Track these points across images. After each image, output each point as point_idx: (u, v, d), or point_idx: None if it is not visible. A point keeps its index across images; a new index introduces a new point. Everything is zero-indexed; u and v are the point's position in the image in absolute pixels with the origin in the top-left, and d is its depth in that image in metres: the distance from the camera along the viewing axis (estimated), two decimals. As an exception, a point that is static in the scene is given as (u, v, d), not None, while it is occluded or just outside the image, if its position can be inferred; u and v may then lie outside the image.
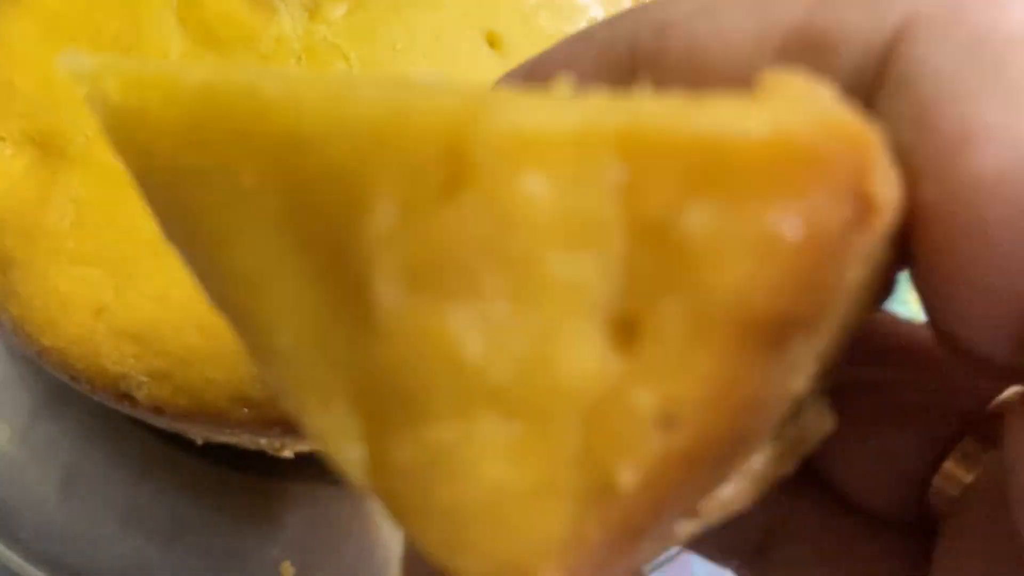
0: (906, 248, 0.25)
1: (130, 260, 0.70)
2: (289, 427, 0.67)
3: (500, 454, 0.23)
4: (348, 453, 0.25)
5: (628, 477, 0.23)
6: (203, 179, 0.26)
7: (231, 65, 0.36)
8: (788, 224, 0.22)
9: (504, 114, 0.22)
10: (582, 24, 0.75)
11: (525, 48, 0.74)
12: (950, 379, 0.33)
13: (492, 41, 0.75)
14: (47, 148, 0.73)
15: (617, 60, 0.30)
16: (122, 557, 0.82)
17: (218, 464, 0.84)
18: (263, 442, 0.76)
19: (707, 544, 0.36)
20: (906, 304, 0.36)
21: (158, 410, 0.73)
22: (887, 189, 0.23)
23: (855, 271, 0.24)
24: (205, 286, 0.28)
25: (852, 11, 0.27)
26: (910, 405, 0.34)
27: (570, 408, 0.23)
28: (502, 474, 0.23)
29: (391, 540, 0.77)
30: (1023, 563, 0.28)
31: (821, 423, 0.30)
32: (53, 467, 0.83)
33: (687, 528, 0.28)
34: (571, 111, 0.22)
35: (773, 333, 0.23)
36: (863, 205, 0.23)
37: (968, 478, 0.32)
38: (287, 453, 0.76)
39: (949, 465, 0.33)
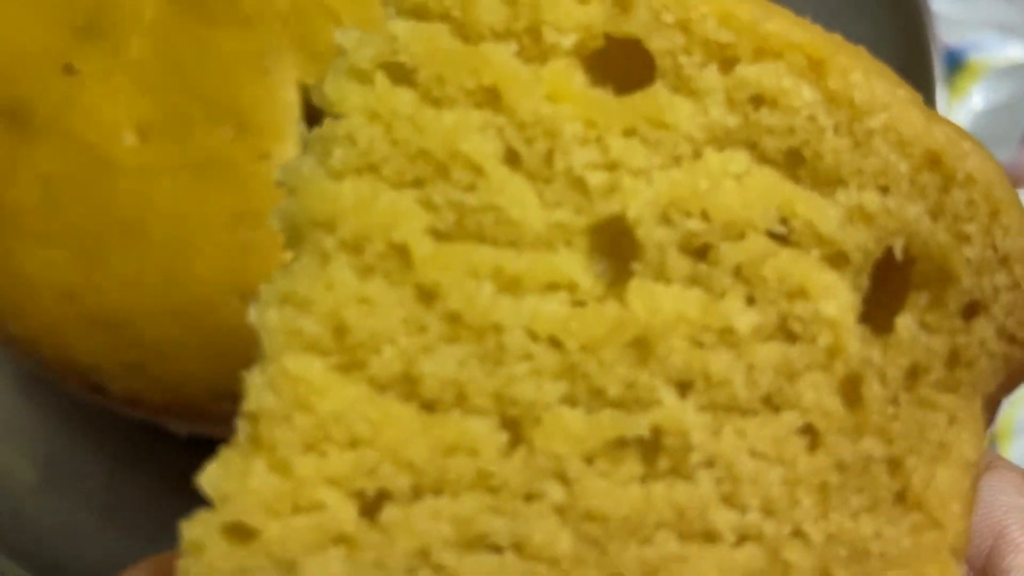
0: None
1: (101, 241, 0.60)
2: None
3: None
4: None
5: None
6: None
7: None
8: None
9: None
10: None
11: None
12: None
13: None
14: (12, 118, 0.62)
15: None
16: (102, 552, 0.71)
17: (204, 456, 0.65)
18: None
19: None
20: None
21: (133, 403, 0.63)
22: None
23: None
24: None
25: None
26: None
27: None
28: None
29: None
30: None
31: None
32: (30, 458, 0.73)
33: None
34: None
35: None
36: None
37: None
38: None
39: None
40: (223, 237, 0.60)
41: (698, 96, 0.29)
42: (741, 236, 0.29)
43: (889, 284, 0.30)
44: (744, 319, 0.29)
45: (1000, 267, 0.29)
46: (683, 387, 0.29)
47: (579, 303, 0.29)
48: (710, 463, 0.28)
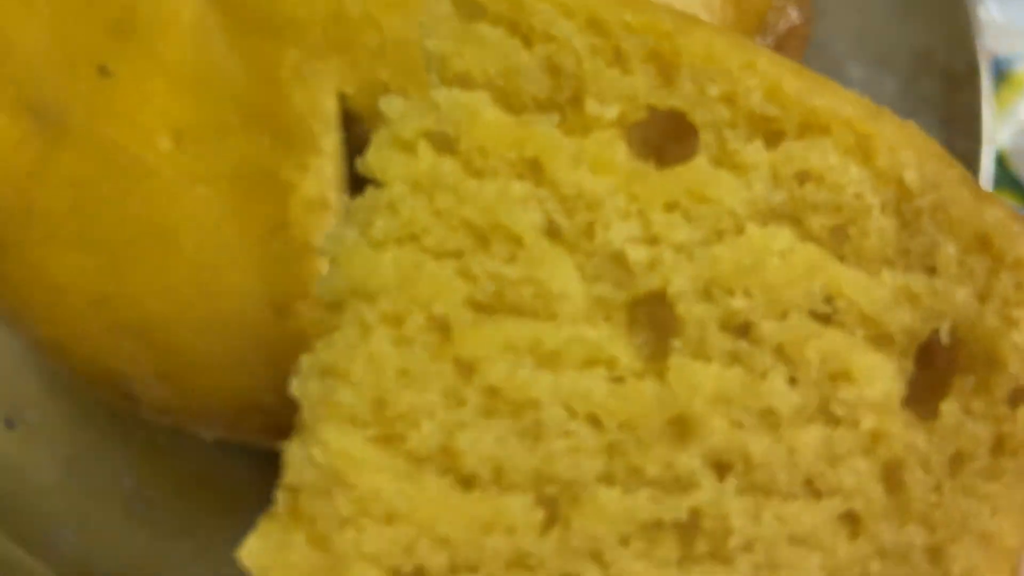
0: None
1: (133, 248, 0.60)
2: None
3: None
4: None
5: None
6: None
7: None
8: None
9: None
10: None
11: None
12: None
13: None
14: (44, 119, 0.63)
15: None
16: (127, 550, 0.71)
17: (229, 458, 0.73)
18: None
19: None
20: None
21: (163, 412, 0.63)
22: None
23: None
24: None
25: None
26: None
27: None
28: None
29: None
30: None
31: None
32: (53, 455, 0.73)
33: None
34: None
35: None
36: None
37: None
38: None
39: None
40: (257, 248, 0.59)
41: (742, 170, 0.29)
42: (784, 315, 0.29)
43: (934, 368, 0.29)
44: (785, 400, 0.28)
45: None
46: (722, 469, 0.29)
47: (618, 379, 0.29)
48: (749, 548, 0.28)
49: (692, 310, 0.29)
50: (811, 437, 0.29)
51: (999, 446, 0.29)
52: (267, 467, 0.68)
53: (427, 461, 0.29)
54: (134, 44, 0.62)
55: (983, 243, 0.29)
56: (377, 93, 0.46)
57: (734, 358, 0.29)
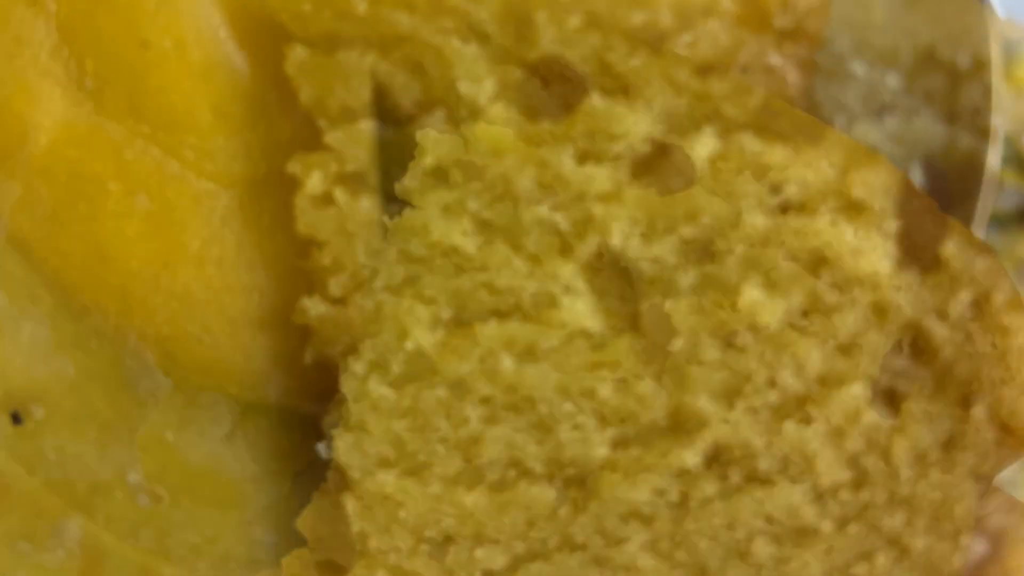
0: None
1: (176, 218, 0.60)
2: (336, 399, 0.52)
3: None
4: None
5: None
6: None
7: None
8: None
9: None
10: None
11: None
12: None
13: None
14: (94, 93, 0.62)
15: None
16: (132, 544, 0.68)
17: (236, 451, 0.68)
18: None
19: None
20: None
21: (201, 373, 0.62)
22: None
23: None
24: None
25: None
26: None
27: None
28: None
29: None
30: None
31: None
32: (60, 450, 0.70)
33: None
34: None
35: None
36: None
37: None
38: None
39: None
40: (267, 241, 0.57)
41: (733, 199, 0.33)
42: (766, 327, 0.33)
43: (896, 373, 0.33)
44: (766, 397, 0.33)
45: (998, 363, 0.32)
46: (711, 457, 0.33)
47: (621, 380, 0.33)
48: (731, 526, 0.33)
49: (687, 320, 0.33)
50: (789, 431, 0.33)
51: (951, 442, 0.33)
52: (272, 463, 0.70)
53: (456, 447, 0.33)
54: (174, 20, 0.61)
55: (943, 266, 0.32)
56: (414, 73, 0.48)
57: (723, 364, 0.33)
